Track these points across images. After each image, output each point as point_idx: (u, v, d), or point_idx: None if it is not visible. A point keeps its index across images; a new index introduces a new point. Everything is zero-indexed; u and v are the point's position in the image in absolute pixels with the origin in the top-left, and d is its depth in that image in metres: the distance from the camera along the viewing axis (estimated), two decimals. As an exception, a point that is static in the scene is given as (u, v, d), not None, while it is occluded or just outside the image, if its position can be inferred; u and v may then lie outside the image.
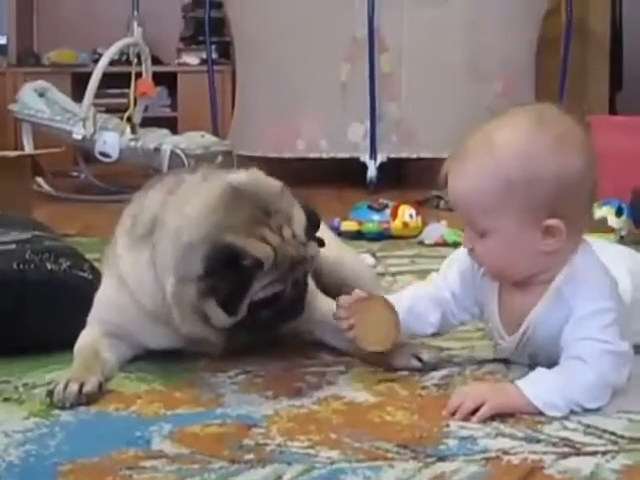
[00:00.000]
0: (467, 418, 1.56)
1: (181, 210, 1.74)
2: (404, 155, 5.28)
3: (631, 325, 1.72)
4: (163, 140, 4.89)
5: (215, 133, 5.47)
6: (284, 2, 5.41)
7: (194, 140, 4.90)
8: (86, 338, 1.87)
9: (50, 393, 1.66)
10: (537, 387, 1.60)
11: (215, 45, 6.51)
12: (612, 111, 6.02)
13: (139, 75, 5.16)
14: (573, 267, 1.69)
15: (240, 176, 1.80)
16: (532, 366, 1.73)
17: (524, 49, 5.43)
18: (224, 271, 1.68)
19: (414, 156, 5.24)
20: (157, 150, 4.81)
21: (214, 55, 6.35)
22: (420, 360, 1.84)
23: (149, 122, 5.32)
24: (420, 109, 5.19)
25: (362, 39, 5.16)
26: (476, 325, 2.11)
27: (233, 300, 1.71)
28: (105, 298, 1.91)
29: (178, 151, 4.72)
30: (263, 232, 1.70)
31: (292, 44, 5.25)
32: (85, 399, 1.66)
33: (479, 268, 1.78)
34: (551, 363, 1.67)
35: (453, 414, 1.57)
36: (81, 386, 1.66)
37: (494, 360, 1.88)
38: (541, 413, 1.57)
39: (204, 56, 6.39)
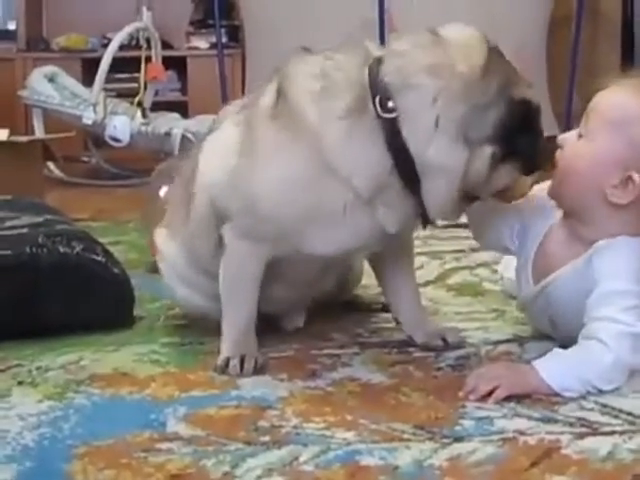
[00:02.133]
0: (483, 400, 1.55)
1: (440, 65, 1.57)
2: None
3: None
4: (174, 124, 4.88)
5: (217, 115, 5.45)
6: (293, -16, 5.39)
7: (206, 123, 4.88)
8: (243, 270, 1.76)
9: (224, 367, 1.71)
10: (553, 368, 1.59)
11: (225, 29, 6.47)
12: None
13: (149, 59, 5.15)
14: (613, 241, 1.68)
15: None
16: (551, 337, 1.73)
17: (536, 28, 5.40)
18: (521, 129, 1.59)
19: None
20: (168, 134, 4.80)
21: (224, 39, 6.31)
22: (444, 340, 1.84)
23: (159, 106, 5.31)
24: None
25: (372, 19, 5.13)
26: (490, 306, 2.11)
27: (530, 159, 1.64)
28: (287, 171, 1.63)
29: (189, 135, 4.70)
30: (521, 78, 1.64)
31: (302, 26, 5.23)
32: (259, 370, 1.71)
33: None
34: (570, 337, 1.66)
35: (469, 396, 1.57)
36: (255, 362, 1.71)
37: (509, 340, 1.87)
38: (557, 394, 1.57)
39: (214, 40, 6.36)
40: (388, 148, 1.58)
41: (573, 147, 1.70)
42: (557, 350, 1.64)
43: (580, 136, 1.70)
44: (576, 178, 1.69)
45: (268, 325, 1.87)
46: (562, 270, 1.72)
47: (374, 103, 1.58)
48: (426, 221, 1.69)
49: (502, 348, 1.84)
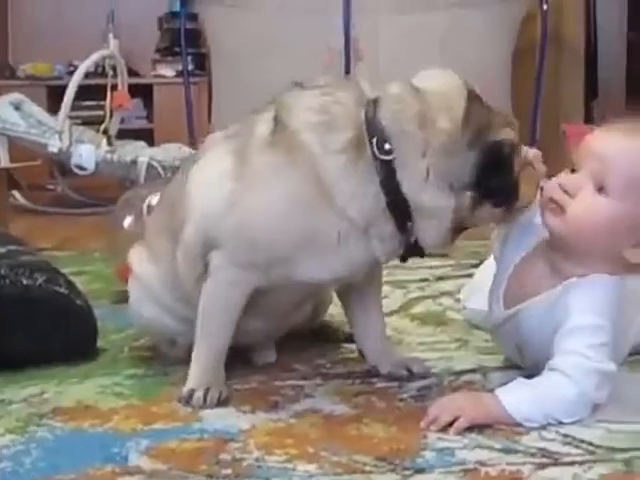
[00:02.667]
0: (444, 430, 1.56)
1: (428, 115, 1.63)
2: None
3: None
4: (140, 152, 4.87)
5: (192, 145, 5.45)
6: (259, 13, 5.40)
7: (171, 152, 4.88)
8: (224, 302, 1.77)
9: (187, 399, 1.71)
10: (516, 398, 1.60)
11: (191, 57, 6.47)
12: (588, 119, 6.04)
13: (115, 87, 5.14)
14: (590, 277, 1.68)
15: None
16: (515, 367, 1.76)
17: (500, 59, 5.44)
18: (495, 170, 1.64)
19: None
20: (134, 162, 4.78)
21: (190, 67, 6.32)
22: (409, 370, 1.85)
23: (125, 134, 5.30)
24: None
25: (338, 49, 5.16)
26: (453, 335, 2.13)
27: (505, 192, 1.68)
28: (284, 194, 1.66)
29: (155, 163, 4.70)
30: (498, 118, 1.69)
31: (268, 55, 5.25)
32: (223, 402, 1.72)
33: (551, 214, 1.71)
34: (536, 367, 1.68)
35: (430, 426, 1.57)
36: (220, 394, 1.72)
37: (472, 370, 1.88)
38: (519, 424, 1.58)
39: (180, 68, 6.36)
40: (383, 187, 1.63)
41: (591, 202, 1.65)
42: (521, 380, 1.65)
43: (600, 189, 1.65)
44: (592, 233, 1.66)
45: (237, 358, 1.86)
46: (536, 299, 1.73)
47: (371, 144, 1.63)
48: (418, 254, 1.72)
49: (465, 378, 1.85)
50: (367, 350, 1.91)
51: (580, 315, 1.65)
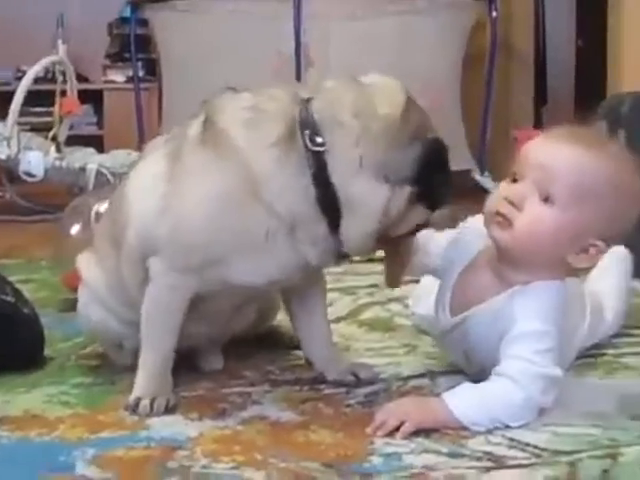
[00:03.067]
0: (391, 435, 1.56)
1: (364, 109, 1.63)
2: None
3: None
4: (88, 159, 4.84)
5: (141, 150, 5.43)
6: (209, 19, 5.40)
7: (120, 158, 4.86)
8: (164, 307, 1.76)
9: (134, 407, 1.70)
10: (462, 402, 1.61)
11: (141, 62, 6.45)
12: (538, 125, 6.10)
13: (64, 93, 5.11)
14: (534, 284, 1.69)
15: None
16: (462, 371, 1.79)
17: (450, 65, 5.47)
18: (437, 166, 1.64)
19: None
20: (82, 169, 4.76)
21: (140, 72, 6.29)
22: (356, 376, 1.86)
23: (75, 141, 5.27)
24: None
25: (289, 54, 5.17)
26: (401, 341, 2.13)
27: (441, 197, 1.68)
28: (213, 192, 1.65)
29: (104, 170, 4.68)
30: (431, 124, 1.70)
31: (218, 61, 5.24)
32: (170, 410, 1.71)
33: (498, 227, 1.69)
34: (484, 372, 1.69)
35: (377, 431, 1.58)
36: (167, 401, 1.71)
37: (420, 375, 1.89)
38: (465, 428, 1.59)
39: (130, 73, 6.35)
40: (313, 180, 1.62)
41: (538, 213, 1.65)
42: (468, 384, 1.67)
43: (546, 199, 1.64)
44: (539, 243, 1.66)
45: (184, 364, 1.86)
46: (481, 307, 1.74)
47: (303, 136, 1.63)
48: (342, 256, 1.71)
49: (413, 383, 1.86)
50: (314, 357, 1.91)
51: (525, 321, 1.66)
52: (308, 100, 1.67)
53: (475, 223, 1.80)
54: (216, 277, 1.70)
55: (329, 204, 1.63)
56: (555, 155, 1.66)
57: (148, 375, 1.76)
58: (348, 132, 1.62)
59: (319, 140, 1.62)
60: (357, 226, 1.63)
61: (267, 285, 1.74)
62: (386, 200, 1.61)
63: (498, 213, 1.68)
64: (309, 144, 1.62)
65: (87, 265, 1.96)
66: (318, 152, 1.62)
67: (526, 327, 1.66)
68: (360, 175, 1.61)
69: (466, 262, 1.81)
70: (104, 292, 1.90)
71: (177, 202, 1.68)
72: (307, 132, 1.63)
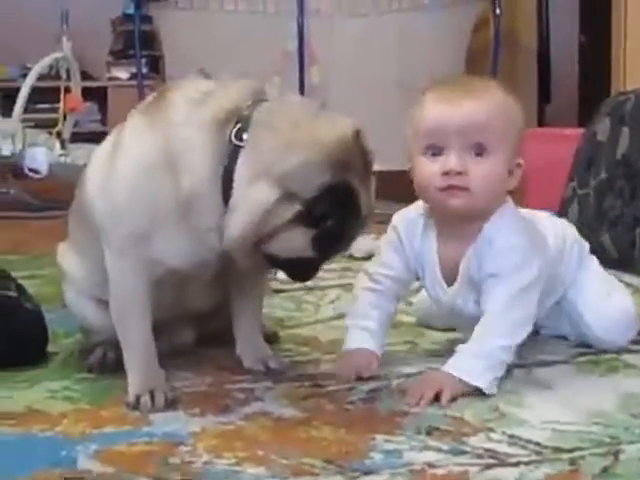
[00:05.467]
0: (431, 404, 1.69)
1: (304, 125, 1.65)
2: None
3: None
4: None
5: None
6: (214, 16, 5.41)
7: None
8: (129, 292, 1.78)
9: (135, 404, 1.71)
10: (461, 364, 1.76)
11: (145, 59, 6.47)
12: (541, 123, 6.10)
13: (69, 90, 5.12)
14: (500, 215, 1.82)
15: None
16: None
17: (453, 61, 5.48)
18: (335, 206, 1.65)
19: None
20: (86, 166, 4.77)
21: (144, 69, 6.31)
22: (267, 367, 1.92)
23: (79, 137, 5.28)
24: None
25: (292, 52, 5.17)
26: (403, 338, 2.14)
27: (327, 238, 1.68)
28: (143, 161, 1.71)
29: (108, 166, 4.68)
30: (368, 185, 1.72)
31: (222, 58, 5.25)
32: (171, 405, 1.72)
33: (449, 197, 1.78)
34: None
35: (420, 402, 1.69)
36: (165, 394, 1.73)
37: (421, 373, 1.89)
38: (478, 389, 1.73)
39: (134, 70, 6.36)
40: (223, 171, 1.67)
41: (482, 168, 1.76)
42: (460, 346, 1.79)
43: (478, 155, 1.76)
44: (494, 191, 1.81)
45: (183, 361, 1.86)
46: (465, 259, 1.83)
47: (232, 129, 1.67)
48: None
49: (415, 380, 1.86)
50: (238, 344, 1.97)
51: (499, 238, 1.80)
52: (262, 101, 1.71)
53: (404, 215, 1.93)
54: (147, 257, 1.73)
55: (226, 197, 1.67)
56: (463, 113, 1.76)
57: (138, 371, 1.78)
58: (274, 137, 1.64)
59: (245, 137, 1.66)
60: (235, 222, 1.66)
61: (192, 268, 1.76)
62: (270, 205, 1.62)
63: (450, 187, 1.76)
64: (234, 138, 1.67)
65: (62, 255, 2.03)
66: (237, 146, 1.66)
67: (499, 243, 1.80)
68: (260, 178, 1.63)
69: (434, 242, 1.88)
70: (84, 280, 1.95)
71: (111, 170, 1.75)
72: (238, 126, 1.67)
